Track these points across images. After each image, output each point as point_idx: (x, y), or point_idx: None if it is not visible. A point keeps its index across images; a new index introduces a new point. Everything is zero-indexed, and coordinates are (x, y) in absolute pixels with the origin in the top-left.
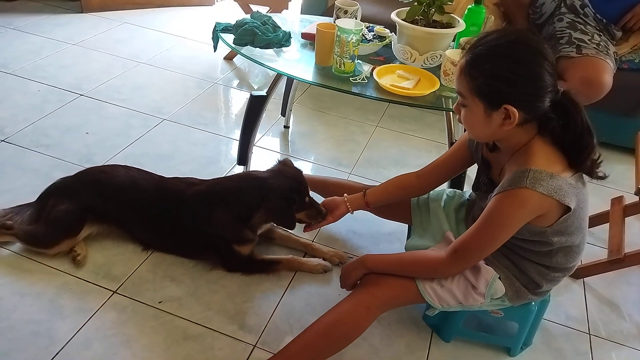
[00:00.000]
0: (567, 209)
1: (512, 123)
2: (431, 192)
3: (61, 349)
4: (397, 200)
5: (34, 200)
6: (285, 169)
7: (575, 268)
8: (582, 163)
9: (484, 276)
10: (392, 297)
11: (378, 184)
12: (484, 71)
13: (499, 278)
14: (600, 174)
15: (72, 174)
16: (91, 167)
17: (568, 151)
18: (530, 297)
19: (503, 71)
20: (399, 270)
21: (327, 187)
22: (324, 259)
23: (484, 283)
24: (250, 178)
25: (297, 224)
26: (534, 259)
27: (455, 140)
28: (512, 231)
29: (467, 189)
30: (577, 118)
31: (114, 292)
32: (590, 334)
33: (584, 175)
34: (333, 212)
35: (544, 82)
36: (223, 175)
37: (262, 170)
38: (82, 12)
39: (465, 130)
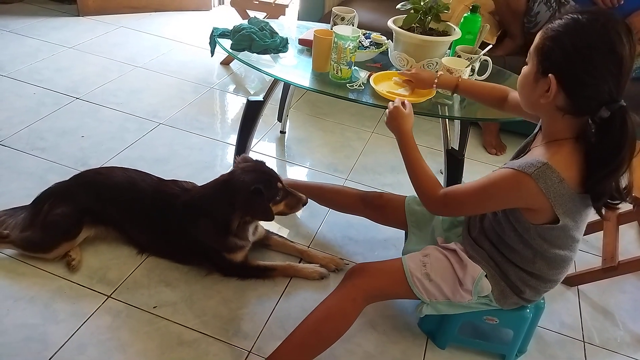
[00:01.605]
0: (556, 220)
1: (549, 97)
2: None
3: (55, 353)
4: (479, 102)
5: (28, 203)
6: (245, 166)
7: (560, 282)
8: (595, 184)
9: (470, 273)
10: (377, 288)
11: (374, 189)
12: (553, 33)
13: (486, 276)
14: (600, 212)
15: (67, 177)
16: (87, 170)
17: (591, 167)
18: (517, 301)
19: (566, 40)
20: (411, 164)
21: (322, 192)
22: (320, 265)
23: (470, 280)
24: (217, 184)
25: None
26: (517, 262)
27: (451, 147)
28: (497, 206)
29: None
30: (617, 135)
31: (109, 296)
32: (584, 342)
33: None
34: (418, 78)
35: (599, 75)
36: None
37: (226, 172)
38: (78, 16)
39: None
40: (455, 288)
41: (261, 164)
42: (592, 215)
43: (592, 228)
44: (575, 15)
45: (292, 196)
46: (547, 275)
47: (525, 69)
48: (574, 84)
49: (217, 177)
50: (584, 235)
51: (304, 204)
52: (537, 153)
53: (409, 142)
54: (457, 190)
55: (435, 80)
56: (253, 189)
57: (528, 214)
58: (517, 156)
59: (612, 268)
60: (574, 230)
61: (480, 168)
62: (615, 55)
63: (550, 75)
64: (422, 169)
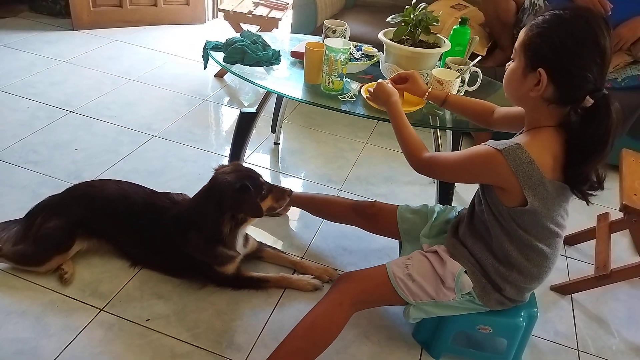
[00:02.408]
0: (525, 202)
1: (539, 90)
2: (421, 205)
3: None
4: (465, 117)
5: (21, 216)
6: (223, 170)
7: (542, 281)
8: (578, 171)
9: (450, 270)
10: (363, 292)
11: (367, 199)
12: (539, 29)
13: (465, 272)
14: (585, 196)
15: (60, 190)
16: (80, 183)
17: (574, 155)
18: (499, 298)
19: (553, 36)
20: (399, 129)
21: (315, 203)
22: (314, 277)
23: (450, 277)
24: (201, 192)
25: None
26: (496, 252)
27: None
28: (470, 177)
29: (455, 204)
30: (602, 122)
31: (101, 309)
32: (579, 350)
33: (569, 189)
34: (413, 83)
35: (585, 65)
36: None
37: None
38: (72, 30)
39: None
40: (437, 286)
41: (238, 165)
42: (583, 223)
43: (584, 236)
44: (559, 12)
45: (276, 189)
46: (526, 269)
47: (511, 65)
48: (563, 76)
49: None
50: (576, 244)
51: (289, 194)
52: (516, 137)
53: (397, 111)
54: (440, 156)
55: (427, 93)
56: (239, 186)
57: (501, 194)
58: None
59: (605, 276)
60: (547, 219)
61: None
62: (599, 47)
63: (539, 69)
64: (409, 133)
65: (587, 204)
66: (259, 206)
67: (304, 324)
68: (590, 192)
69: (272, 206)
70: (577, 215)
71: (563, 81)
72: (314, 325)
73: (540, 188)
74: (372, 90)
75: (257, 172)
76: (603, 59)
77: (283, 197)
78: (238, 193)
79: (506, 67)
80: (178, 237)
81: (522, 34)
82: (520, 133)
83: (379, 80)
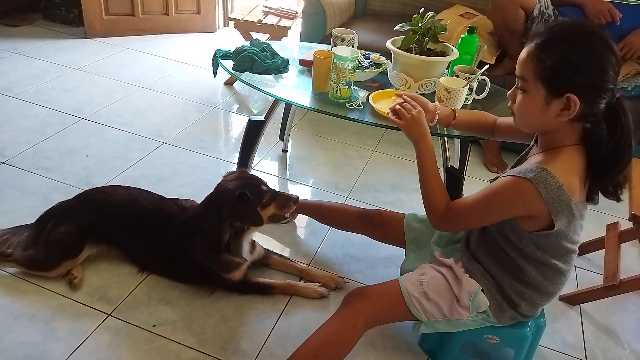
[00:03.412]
0: (551, 226)
1: (571, 114)
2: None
3: None
4: (471, 132)
5: (32, 222)
6: (227, 178)
7: (556, 296)
8: (606, 175)
9: (466, 288)
10: (377, 312)
11: (375, 207)
12: (554, 55)
13: (482, 290)
14: (617, 196)
15: (71, 196)
16: (90, 189)
17: (600, 163)
18: (513, 315)
19: (573, 58)
20: (428, 176)
21: (322, 211)
22: (321, 284)
23: (467, 295)
24: (205, 199)
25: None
26: (512, 271)
27: (450, 165)
28: (502, 215)
29: None
30: (625, 123)
31: (109, 314)
32: None
33: (589, 201)
34: (425, 103)
35: (608, 77)
36: None
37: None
38: (85, 38)
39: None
40: (452, 305)
41: (244, 172)
42: (592, 232)
43: (594, 246)
44: (566, 30)
45: (281, 196)
46: (542, 287)
47: (524, 97)
48: (592, 94)
49: None
50: (586, 254)
51: (295, 201)
52: (535, 160)
53: (430, 155)
54: (459, 203)
55: (437, 117)
56: (238, 194)
57: (523, 221)
58: (513, 168)
59: (614, 286)
60: (566, 239)
61: (481, 186)
62: (616, 55)
63: (569, 94)
64: (437, 183)
65: (618, 202)
66: (258, 215)
67: (315, 342)
68: (619, 190)
69: (276, 214)
70: (586, 224)
71: (591, 98)
72: (326, 344)
73: (567, 211)
74: (405, 113)
75: (261, 179)
76: (619, 65)
77: (288, 205)
78: (237, 201)
79: (509, 97)
80: (185, 243)
81: (531, 64)
82: (531, 150)
83: (417, 107)
